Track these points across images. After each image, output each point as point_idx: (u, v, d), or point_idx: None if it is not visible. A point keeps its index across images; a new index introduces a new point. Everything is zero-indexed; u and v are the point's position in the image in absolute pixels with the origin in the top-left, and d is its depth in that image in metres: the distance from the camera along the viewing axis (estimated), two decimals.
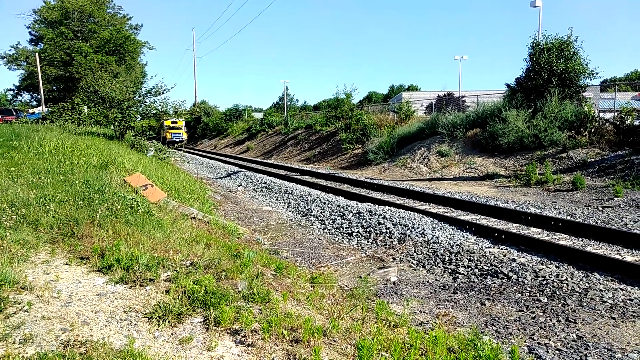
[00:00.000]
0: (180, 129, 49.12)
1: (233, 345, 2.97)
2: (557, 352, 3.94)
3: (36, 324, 2.86)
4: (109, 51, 45.56)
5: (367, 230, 8.73)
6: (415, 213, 9.42)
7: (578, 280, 5.54)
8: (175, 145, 47.18)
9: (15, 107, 48.89)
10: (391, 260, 7.22)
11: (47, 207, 5.15)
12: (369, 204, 10.79)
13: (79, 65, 41.44)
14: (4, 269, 3.40)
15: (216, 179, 19.39)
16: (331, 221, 9.80)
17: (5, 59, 45.63)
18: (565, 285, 5.44)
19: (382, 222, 8.88)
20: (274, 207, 12.13)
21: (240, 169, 22.26)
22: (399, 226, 8.49)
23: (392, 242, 7.97)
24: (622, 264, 5.81)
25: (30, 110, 45.79)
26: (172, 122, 46.60)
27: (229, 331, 3.13)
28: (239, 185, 16.88)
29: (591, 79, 18.22)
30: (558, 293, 5.26)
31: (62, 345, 2.66)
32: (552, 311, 4.82)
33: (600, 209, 9.98)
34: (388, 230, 8.41)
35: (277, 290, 4.24)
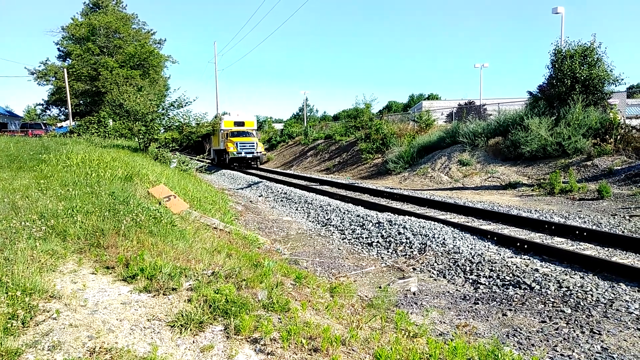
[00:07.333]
0: (252, 135, 29.87)
1: (253, 354, 3.02)
2: None
3: (64, 331, 2.96)
4: (133, 65, 46.66)
5: (387, 240, 8.70)
6: (436, 223, 9.36)
7: (603, 290, 5.42)
8: (246, 165, 28.83)
9: (44, 122, 50.51)
10: (411, 270, 7.18)
11: (74, 218, 5.32)
12: (389, 213, 10.76)
13: (105, 80, 42.57)
14: (34, 278, 3.54)
15: (237, 189, 19.60)
16: (351, 231, 9.81)
17: (35, 74, 47.12)
18: (589, 296, 5.33)
19: (402, 232, 8.85)
20: (294, 217, 12.20)
21: (260, 180, 22.46)
22: (420, 236, 8.44)
23: (412, 252, 7.93)
24: None
25: (59, 124, 47.16)
26: (236, 124, 29.12)
27: (248, 340, 3.18)
28: (259, 196, 17.03)
29: (616, 85, 17.90)
30: (582, 304, 5.16)
31: (89, 352, 2.75)
32: (576, 322, 4.73)
33: (627, 218, 9.73)
34: (408, 240, 8.37)
35: (296, 300, 4.28)
